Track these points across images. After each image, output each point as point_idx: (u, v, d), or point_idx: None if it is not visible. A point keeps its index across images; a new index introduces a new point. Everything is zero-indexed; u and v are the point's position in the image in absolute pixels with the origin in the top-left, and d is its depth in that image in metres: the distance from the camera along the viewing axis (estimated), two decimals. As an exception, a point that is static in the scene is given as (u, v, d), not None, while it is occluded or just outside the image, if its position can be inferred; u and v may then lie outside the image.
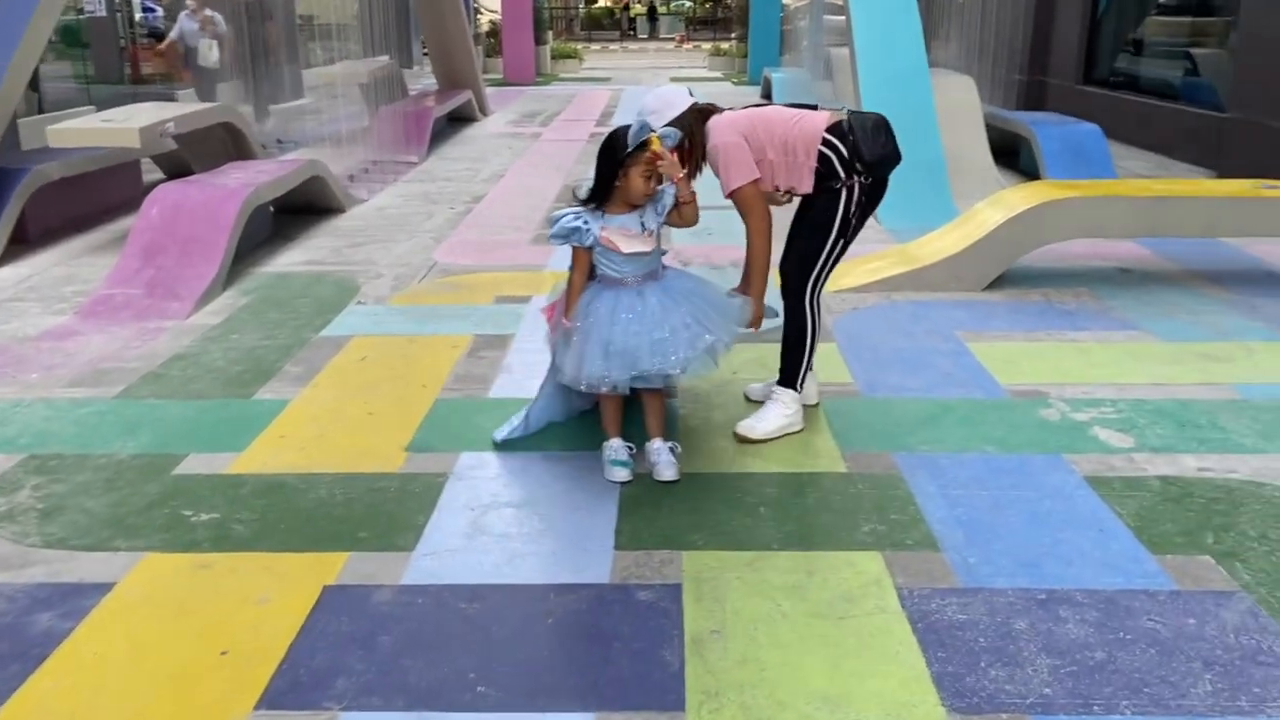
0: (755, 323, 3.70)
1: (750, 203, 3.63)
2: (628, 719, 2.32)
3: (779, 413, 3.81)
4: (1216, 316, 5.24)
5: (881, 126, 3.63)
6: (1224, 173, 8.93)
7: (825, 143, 3.58)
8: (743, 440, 3.74)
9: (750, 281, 3.74)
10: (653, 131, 3.30)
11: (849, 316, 5.22)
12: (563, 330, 3.42)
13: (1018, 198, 5.85)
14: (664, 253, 3.57)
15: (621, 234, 3.37)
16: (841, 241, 3.71)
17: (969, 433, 3.84)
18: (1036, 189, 6.02)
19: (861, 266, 5.80)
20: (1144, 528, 3.15)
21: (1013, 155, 9.52)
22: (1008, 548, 3.04)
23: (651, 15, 44.33)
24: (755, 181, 3.61)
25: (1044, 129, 8.91)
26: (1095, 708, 2.35)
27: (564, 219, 3.41)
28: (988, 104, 10.03)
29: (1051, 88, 13.22)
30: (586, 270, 3.46)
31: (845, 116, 3.65)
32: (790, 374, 3.85)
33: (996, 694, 2.40)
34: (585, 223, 3.38)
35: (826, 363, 4.52)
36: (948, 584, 2.86)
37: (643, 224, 3.40)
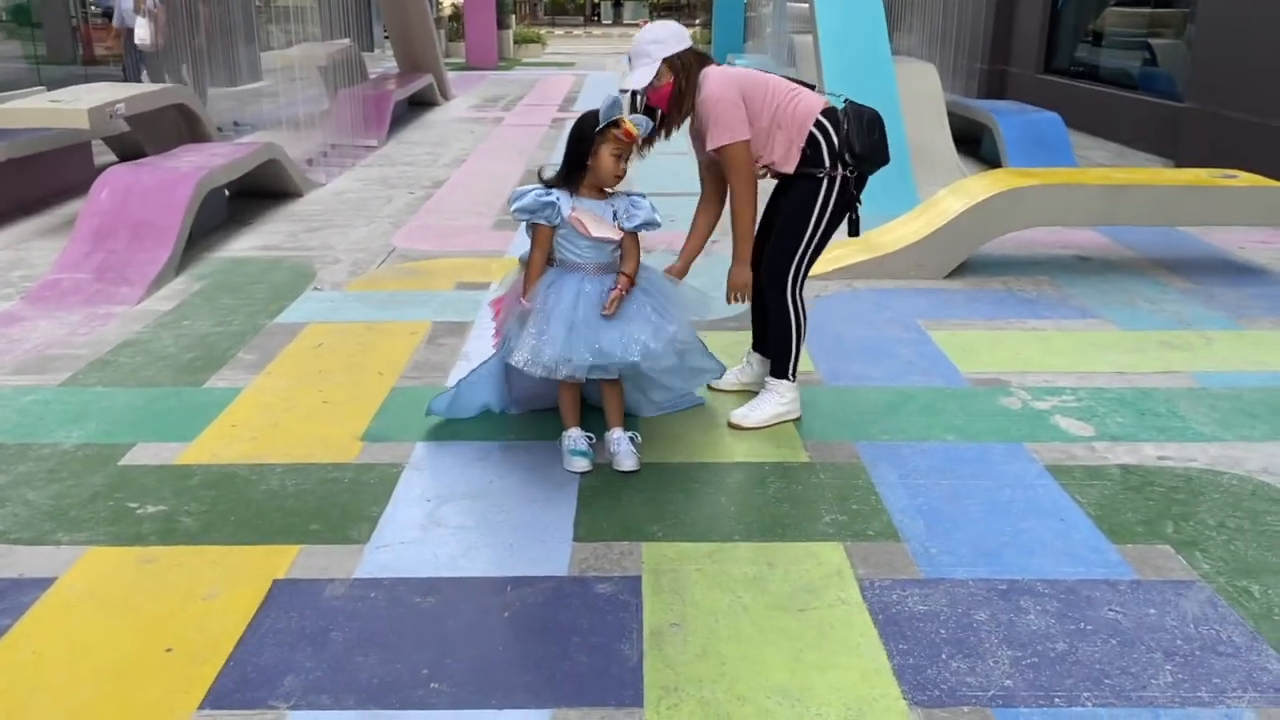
0: (740, 290, 3.65)
1: (737, 162, 3.49)
2: (584, 715, 2.27)
3: (773, 401, 3.75)
4: (1175, 305, 5.26)
5: (876, 123, 3.55)
6: (1182, 162, 9.01)
7: (818, 125, 3.50)
8: (735, 428, 3.70)
9: (734, 244, 3.62)
10: (622, 113, 3.24)
11: (811, 305, 5.18)
12: (519, 313, 3.35)
13: (979, 186, 5.85)
14: (618, 248, 3.39)
15: (590, 217, 3.31)
16: (819, 234, 3.61)
17: (930, 422, 3.82)
18: (997, 177, 6.02)
19: (824, 254, 5.76)
20: (1105, 517, 3.15)
21: (974, 143, 9.55)
22: (969, 537, 3.02)
23: (616, 0, 44.13)
24: (746, 143, 3.49)
25: (1005, 117, 8.94)
26: (1056, 700, 2.33)
27: (533, 193, 3.32)
28: (950, 92, 10.05)
29: (1013, 76, 13.28)
30: (547, 251, 3.37)
31: (844, 104, 3.58)
32: (781, 364, 3.78)
33: (958, 686, 2.37)
34: (557, 199, 3.31)
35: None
36: (909, 575, 2.83)
37: (614, 213, 3.33)
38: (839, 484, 3.34)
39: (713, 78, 3.49)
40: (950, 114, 9.21)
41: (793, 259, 3.64)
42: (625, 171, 3.32)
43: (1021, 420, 3.85)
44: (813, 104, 3.54)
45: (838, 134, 3.49)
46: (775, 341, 3.78)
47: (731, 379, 4.03)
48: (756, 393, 3.87)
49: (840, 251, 5.83)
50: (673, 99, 3.49)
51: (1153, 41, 11.08)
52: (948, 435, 3.71)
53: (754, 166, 3.57)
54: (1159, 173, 6.39)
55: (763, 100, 3.51)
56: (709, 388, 4.02)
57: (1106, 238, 6.58)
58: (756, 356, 4.02)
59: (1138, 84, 11.01)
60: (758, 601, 2.70)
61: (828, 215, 3.60)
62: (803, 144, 3.51)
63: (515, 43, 23.22)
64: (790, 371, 3.78)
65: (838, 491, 3.29)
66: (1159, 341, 4.72)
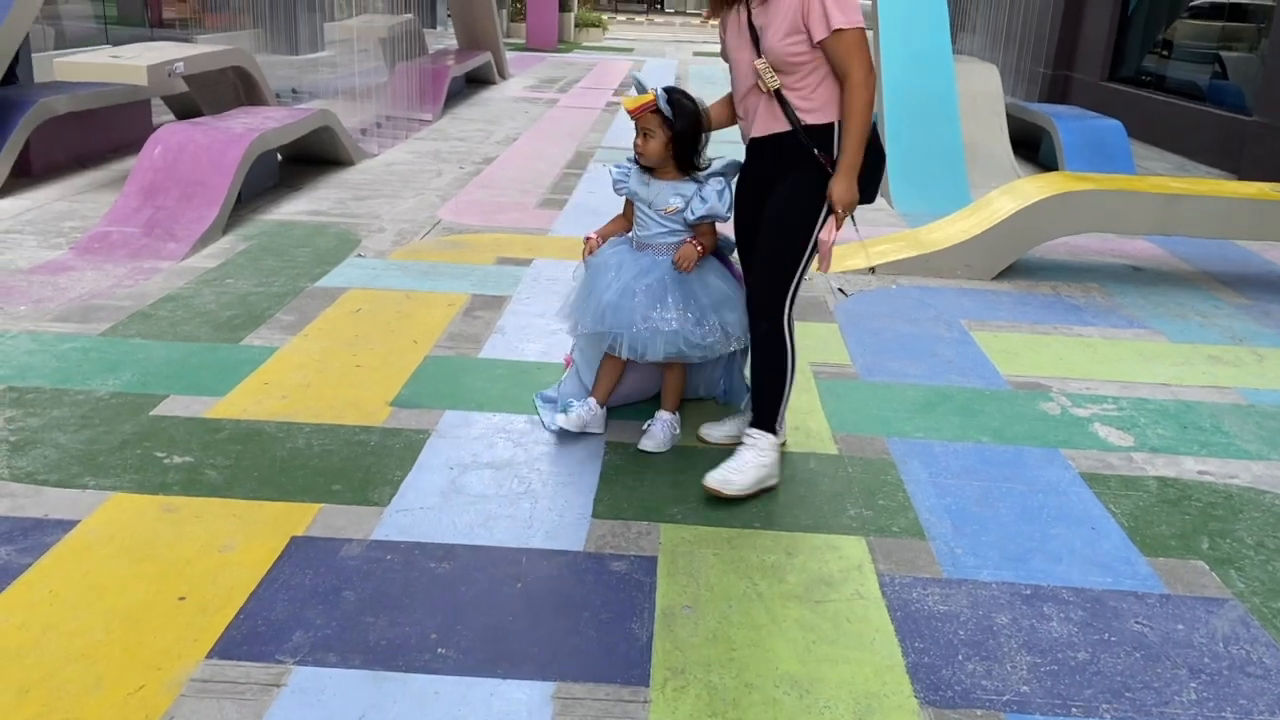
0: (848, 209, 2.98)
1: (857, 48, 2.90)
2: (589, 691, 2.25)
3: (755, 462, 3.12)
4: (1228, 320, 5.13)
5: (880, 165, 3.13)
6: (1245, 176, 8.78)
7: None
8: (715, 496, 3.06)
9: (843, 150, 2.96)
10: (637, 89, 3.19)
11: (853, 298, 5.11)
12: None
13: (1033, 187, 5.73)
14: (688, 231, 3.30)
15: (658, 195, 3.30)
16: (815, 241, 3.08)
17: (966, 422, 3.75)
18: (1052, 180, 5.89)
19: (870, 249, 5.69)
20: (1138, 528, 3.06)
21: (1033, 147, 9.37)
22: (996, 540, 2.96)
23: None
24: (864, 30, 2.94)
25: (1065, 122, 8.76)
26: (1073, 709, 2.27)
27: (618, 167, 3.41)
28: (1010, 94, 9.89)
29: (1076, 82, 13.02)
30: (623, 217, 3.46)
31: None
32: (768, 414, 3.19)
33: (972, 689, 2.32)
34: (625, 174, 3.35)
35: (826, 343, 4.44)
36: (931, 573, 2.78)
37: (685, 200, 3.25)
38: (867, 478, 3.29)
39: None
40: (1009, 116, 9.05)
41: (791, 276, 3.08)
42: (655, 150, 3.21)
43: (1060, 426, 3.76)
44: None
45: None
46: (760, 386, 3.19)
47: (729, 430, 3.46)
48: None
49: (887, 247, 5.75)
50: None
51: (1223, 54, 10.81)
52: (983, 437, 3.64)
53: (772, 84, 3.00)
54: (1218, 184, 6.22)
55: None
56: (698, 439, 3.48)
57: (1161, 248, 6.42)
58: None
59: (1205, 96, 10.75)
60: (773, 590, 2.66)
61: (825, 218, 3.07)
62: (839, 116, 3.01)
63: (576, 26, 23.18)
64: (777, 423, 3.21)
65: (865, 486, 3.24)
66: (1208, 355, 4.60)
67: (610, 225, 3.51)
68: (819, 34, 2.91)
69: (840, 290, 3.09)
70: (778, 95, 3.00)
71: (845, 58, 2.92)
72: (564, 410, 3.49)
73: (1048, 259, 5.95)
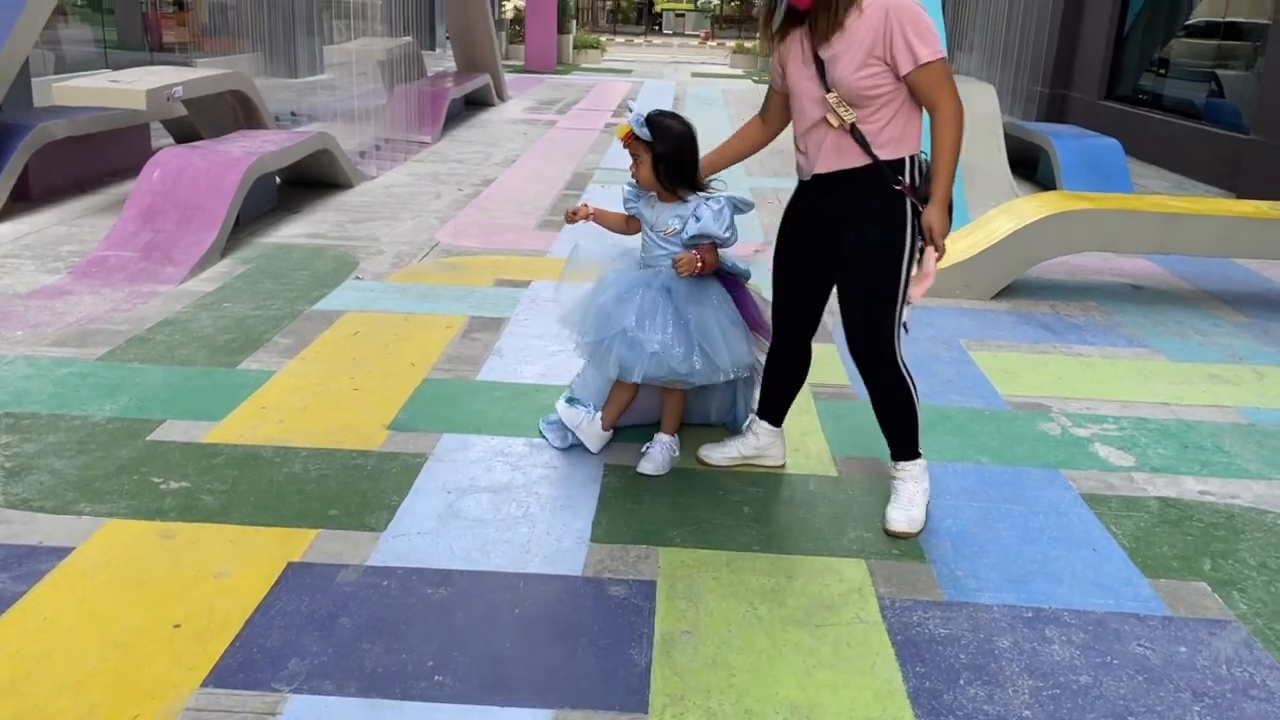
0: (941, 239, 2.89)
1: (944, 80, 2.82)
2: (587, 718, 2.23)
3: (919, 490, 3.13)
4: (1227, 338, 5.12)
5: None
6: (1243, 195, 8.79)
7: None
8: (897, 536, 3.04)
9: (936, 181, 2.87)
10: (630, 118, 3.19)
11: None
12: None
13: (1031, 207, 5.74)
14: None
15: (660, 217, 3.30)
16: (905, 280, 2.97)
17: (965, 442, 3.74)
18: (1050, 199, 5.90)
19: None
20: (1139, 550, 3.05)
21: (1030, 166, 9.40)
22: (996, 562, 2.94)
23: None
24: (945, 58, 2.86)
25: (1063, 141, 8.78)
26: (1076, 734, 2.25)
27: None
28: (1008, 114, 9.91)
29: (1073, 101, 13.07)
30: (631, 225, 3.45)
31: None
32: (909, 444, 3.16)
33: (974, 713, 2.30)
34: (635, 195, 3.36)
35: (825, 364, 4.42)
36: (931, 596, 2.76)
37: (683, 222, 3.24)
38: (867, 500, 3.27)
39: None
40: (1007, 136, 9.06)
41: (895, 314, 3.01)
42: (645, 175, 3.22)
43: (1060, 446, 3.75)
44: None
45: (925, 180, 2.95)
46: (892, 423, 3.17)
47: (730, 452, 3.45)
48: (765, 466, 3.43)
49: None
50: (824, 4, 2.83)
51: (1220, 72, 10.85)
52: (982, 457, 3.63)
53: (835, 114, 2.89)
54: (1216, 202, 6.23)
55: None
56: (699, 461, 3.45)
57: (1160, 267, 6.43)
58: (764, 426, 3.44)
59: (1202, 114, 10.79)
60: (773, 614, 2.64)
61: (914, 245, 2.98)
62: (914, 151, 2.94)
63: (574, 48, 23.31)
64: (919, 446, 3.19)
65: (865, 508, 3.22)
66: (1208, 374, 4.59)
67: (612, 213, 3.49)
68: (904, 68, 2.80)
69: (904, 327, 3.13)
70: (852, 129, 2.88)
71: (933, 90, 2.84)
72: (569, 401, 3.48)
73: (1046, 278, 5.95)
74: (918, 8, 2.81)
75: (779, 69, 3.06)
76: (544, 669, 2.38)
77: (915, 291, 2.98)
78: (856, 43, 2.82)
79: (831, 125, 2.90)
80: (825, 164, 2.97)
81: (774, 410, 3.44)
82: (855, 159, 2.91)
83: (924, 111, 2.93)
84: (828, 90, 2.88)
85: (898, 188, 2.89)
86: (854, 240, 2.99)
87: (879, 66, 2.83)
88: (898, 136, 2.90)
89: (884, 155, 2.89)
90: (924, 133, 2.97)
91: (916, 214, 2.92)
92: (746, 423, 3.54)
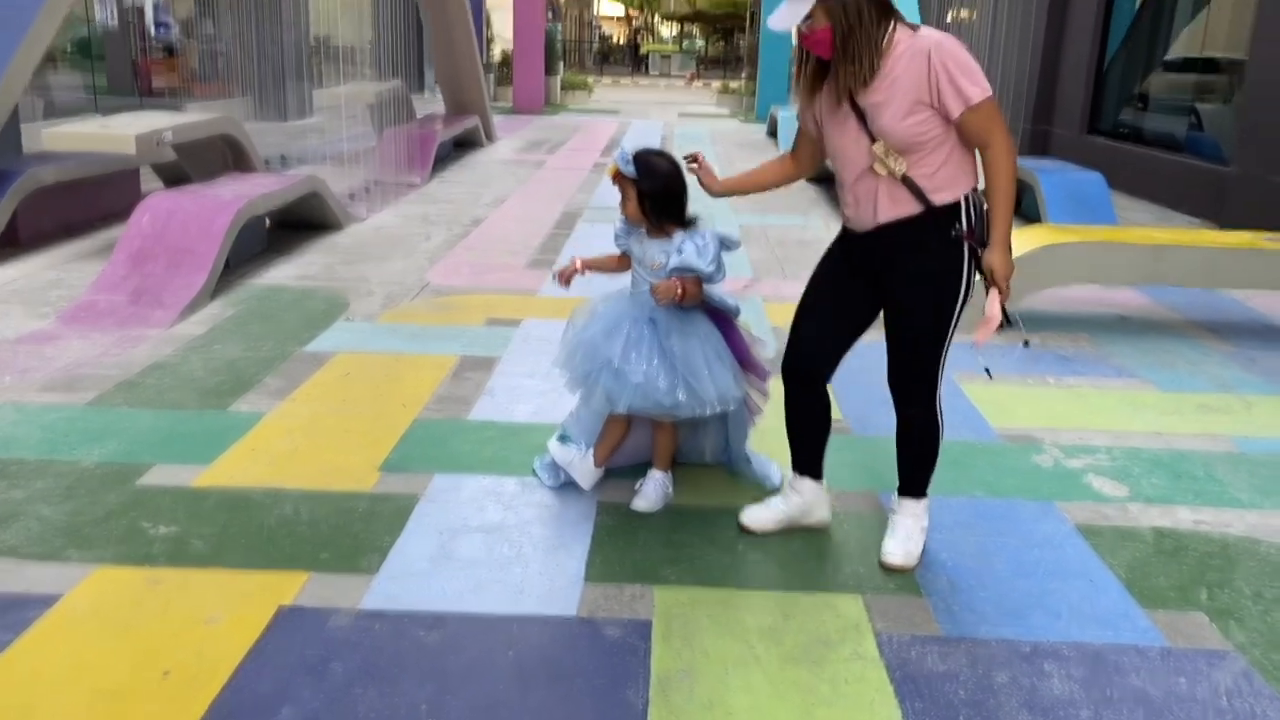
0: (1006, 281, 2.84)
1: (993, 117, 2.73)
2: (584, 761, 2.20)
3: (918, 527, 3.14)
4: (1216, 368, 5.14)
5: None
6: (1226, 225, 8.87)
7: (975, 190, 2.89)
8: (892, 570, 3.05)
9: (995, 221, 2.82)
10: (617, 156, 3.22)
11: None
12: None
13: (1016, 241, 5.75)
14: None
15: (648, 252, 3.32)
16: (955, 323, 2.94)
17: (958, 476, 3.73)
18: (1036, 232, 5.94)
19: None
20: (1135, 581, 3.04)
21: (1015, 201, 9.45)
22: (993, 596, 2.92)
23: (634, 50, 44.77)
24: (992, 95, 2.75)
25: (1046, 175, 8.86)
26: (1077, 769, 2.23)
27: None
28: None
29: (1056, 136, 13.20)
30: (623, 265, 3.44)
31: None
32: (920, 484, 3.16)
33: (974, 750, 2.28)
34: (626, 231, 3.37)
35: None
36: (929, 631, 2.74)
37: (667, 256, 3.25)
38: (862, 535, 3.26)
39: (929, 32, 2.76)
40: (992, 170, 9.13)
41: (941, 359, 2.98)
42: (632, 211, 3.23)
43: (1053, 478, 3.75)
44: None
45: (979, 219, 2.88)
46: (910, 461, 3.14)
47: (773, 515, 3.27)
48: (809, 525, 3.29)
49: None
50: (837, 47, 2.75)
51: (1199, 105, 10.98)
52: (976, 490, 3.62)
53: (882, 163, 2.81)
54: (1202, 234, 6.28)
55: None
56: (740, 528, 3.27)
57: (1148, 298, 6.46)
58: (806, 483, 3.25)
59: (1183, 147, 10.90)
60: (771, 653, 2.61)
61: (968, 289, 2.91)
62: (969, 192, 2.85)
63: (563, 89, 23.49)
64: (929, 485, 3.18)
65: (860, 542, 3.21)
66: (1198, 404, 4.60)
67: (601, 257, 3.49)
68: (955, 111, 2.71)
69: (986, 371, 3.12)
70: (904, 179, 2.81)
71: (983, 130, 2.75)
72: (560, 439, 3.47)
73: (1036, 311, 5.97)
74: (958, 45, 2.72)
75: (811, 118, 3.01)
76: (539, 712, 2.36)
77: (981, 334, 2.89)
78: (900, 90, 2.73)
79: (878, 175, 2.83)
80: (884, 214, 2.87)
81: (806, 461, 3.26)
82: (910, 207, 2.83)
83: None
84: (872, 139, 2.81)
85: (954, 234, 2.83)
86: (908, 284, 2.92)
87: (927, 112, 2.74)
88: (951, 179, 2.82)
89: (938, 200, 2.81)
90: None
91: (974, 255, 2.87)
92: (787, 480, 3.35)
